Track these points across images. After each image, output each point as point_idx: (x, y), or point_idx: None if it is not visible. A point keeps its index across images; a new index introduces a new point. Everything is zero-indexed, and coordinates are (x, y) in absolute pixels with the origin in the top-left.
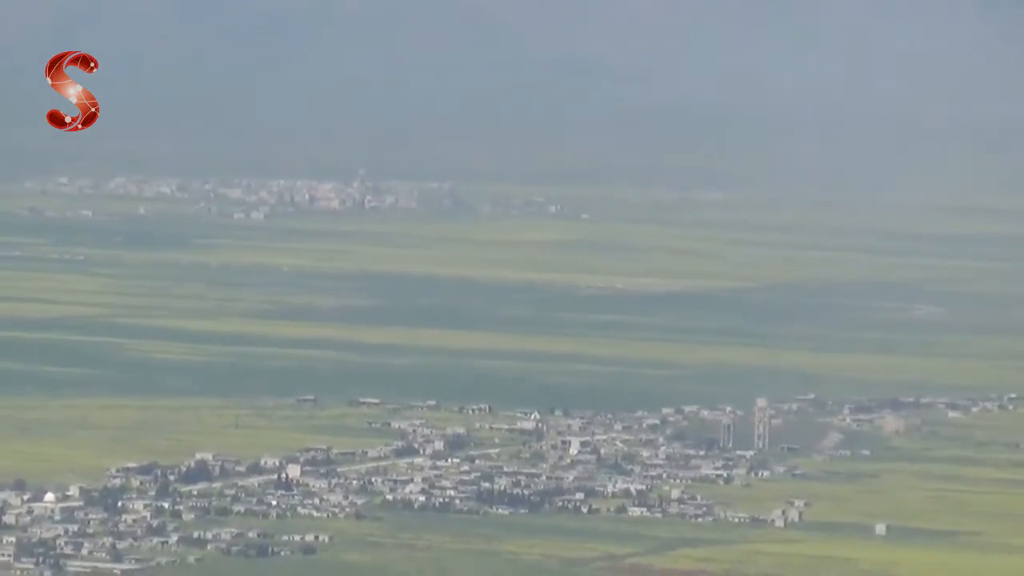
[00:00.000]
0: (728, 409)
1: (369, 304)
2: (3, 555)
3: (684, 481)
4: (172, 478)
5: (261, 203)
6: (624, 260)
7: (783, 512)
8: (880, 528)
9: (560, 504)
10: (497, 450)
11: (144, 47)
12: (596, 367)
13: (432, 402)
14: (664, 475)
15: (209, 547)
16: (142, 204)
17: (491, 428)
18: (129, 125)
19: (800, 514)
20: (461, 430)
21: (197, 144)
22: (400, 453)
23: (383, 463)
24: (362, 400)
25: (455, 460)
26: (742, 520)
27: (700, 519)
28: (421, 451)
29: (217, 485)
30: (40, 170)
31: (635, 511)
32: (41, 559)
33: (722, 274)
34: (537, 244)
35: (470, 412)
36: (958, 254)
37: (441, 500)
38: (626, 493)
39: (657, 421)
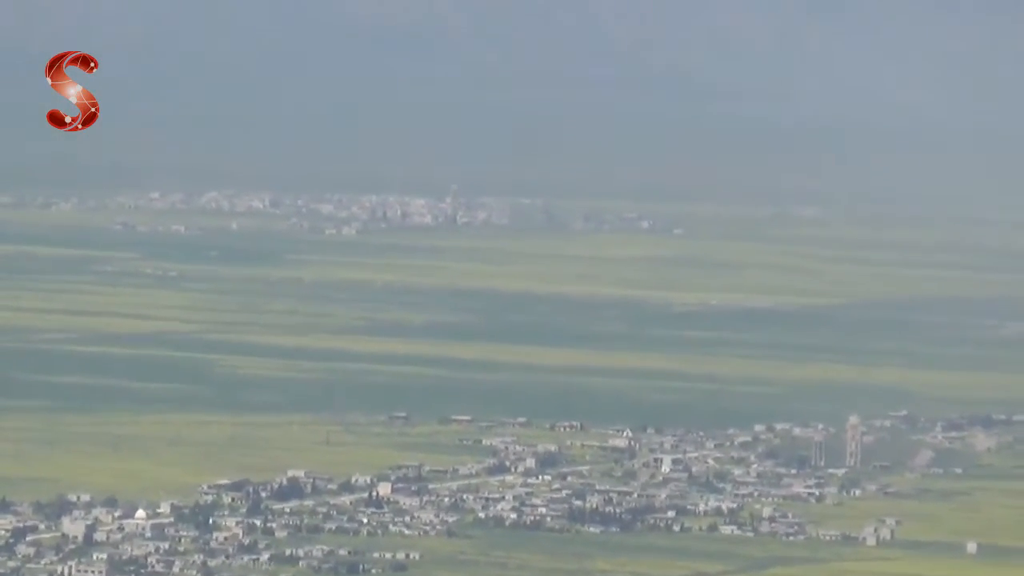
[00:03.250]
0: (820, 426)
1: (461, 320)
2: (95, 572)
3: (776, 499)
4: (264, 495)
5: (353, 219)
6: (717, 276)
7: (875, 530)
8: (971, 546)
9: (652, 522)
10: (589, 468)
11: (238, 62)
12: (688, 384)
13: (523, 419)
14: (756, 493)
15: (301, 564)
16: (234, 219)
17: (583, 445)
18: (221, 140)
19: (892, 532)
20: (553, 447)
21: (289, 159)
22: (492, 471)
23: (474, 480)
24: (454, 417)
25: (547, 477)
26: (834, 538)
27: (792, 537)
28: (513, 468)
29: (309, 502)
30: (132, 185)
31: (727, 529)
32: None
33: (815, 291)
34: (630, 260)
35: (562, 429)
36: None
37: (533, 518)
38: (718, 511)
39: (749, 439)
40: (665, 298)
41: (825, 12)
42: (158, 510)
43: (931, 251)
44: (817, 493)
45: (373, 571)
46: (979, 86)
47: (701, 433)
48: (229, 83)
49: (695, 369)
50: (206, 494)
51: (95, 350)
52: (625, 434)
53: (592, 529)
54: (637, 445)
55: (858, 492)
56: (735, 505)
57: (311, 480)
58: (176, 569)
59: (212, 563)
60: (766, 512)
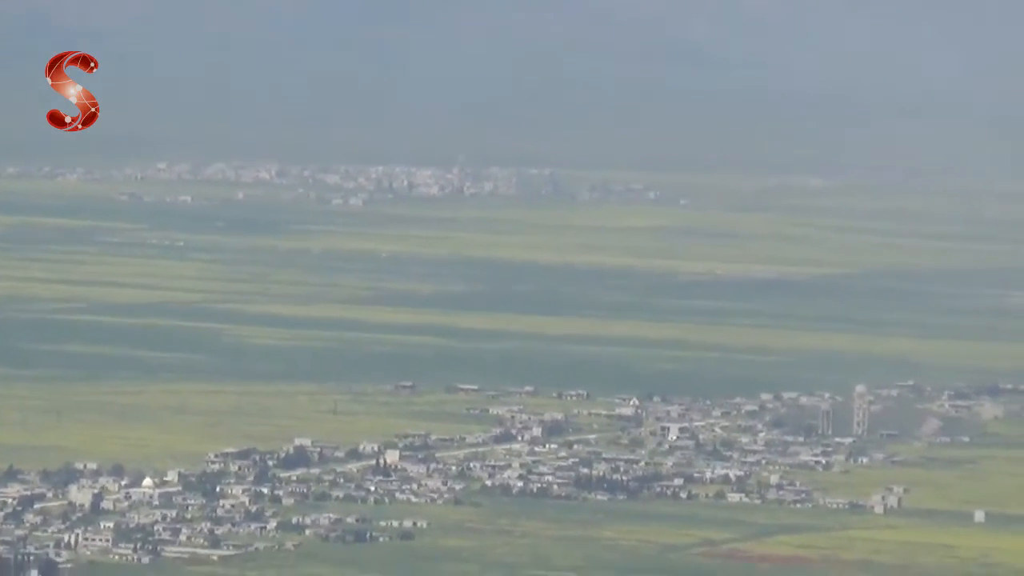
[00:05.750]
0: (827, 395)
1: (468, 290)
2: (102, 540)
3: (783, 467)
4: (271, 463)
5: (360, 189)
6: (723, 246)
7: (882, 498)
8: (979, 515)
9: (658, 490)
10: (595, 436)
11: (244, 33)
12: (695, 353)
13: (530, 388)
14: (763, 461)
15: (307, 532)
16: (240, 190)
17: (589, 414)
18: (227, 111)
19: (899, 500)
20: (559, 416)
21: (296, 130)
22: (498, 439)
23: (481, 449)
24: (460, 386)
25: (553, 446)
26: (841, 506)
27: (799, 505)
28: (519, 437)
29: (315, 471)
30: (139, 156)
31: (733, 497)
32: (139, 544)
33: (822, 261)
34: (636, 230)
35: (568, 398)
36: None
37: (539, 486)
38: (725, 479)
39: (756, 407)
40: (671, 268)
41: None
42: (165, 478)
43: (937, 222)
44: (824, 461)
45: (380, 539)
46: (990, 57)
47: (708, 402)
48: (235, 54)
49: (701, 338)
50: (213, 463)
51: (101, 320)
52: (632, 403)
53: (599, 497)
54: (644, 413)
55: (865, 460)
56: (742, 473)
57: (318, 448)
58: (183, 537)
59: (219, 531)
60: (773, 480)
